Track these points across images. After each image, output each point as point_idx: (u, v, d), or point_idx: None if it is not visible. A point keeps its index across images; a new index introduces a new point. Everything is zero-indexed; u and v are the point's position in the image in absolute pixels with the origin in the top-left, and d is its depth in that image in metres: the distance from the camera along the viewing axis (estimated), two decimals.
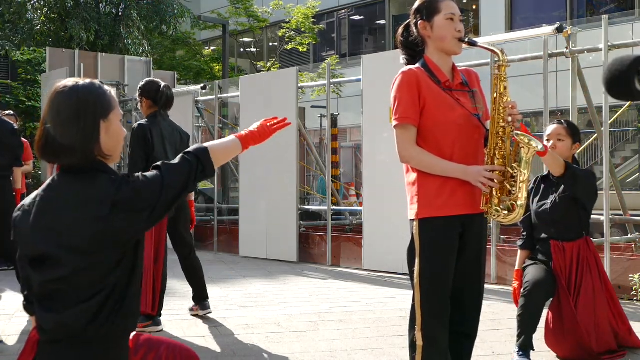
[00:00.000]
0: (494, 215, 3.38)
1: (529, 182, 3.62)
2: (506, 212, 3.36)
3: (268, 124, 2.79)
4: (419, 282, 3.40)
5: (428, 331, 3.42)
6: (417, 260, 3.41)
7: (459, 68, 3.60)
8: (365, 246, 9.04)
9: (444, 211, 3.37)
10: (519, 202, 3.33)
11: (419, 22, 3.52)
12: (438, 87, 3.41)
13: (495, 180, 3.32)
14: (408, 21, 3.64)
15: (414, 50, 3.58)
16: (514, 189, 3.34)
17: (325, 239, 9.72)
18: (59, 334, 2.36)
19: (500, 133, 3.38)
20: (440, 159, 3.38)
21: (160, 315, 5.87)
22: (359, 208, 11.04)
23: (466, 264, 3.48)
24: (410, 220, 3.47)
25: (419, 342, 3.42)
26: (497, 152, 3.38)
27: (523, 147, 3.32)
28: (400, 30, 3.69)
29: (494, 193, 3.35)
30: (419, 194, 3.42)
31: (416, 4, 3.58)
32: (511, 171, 3.35)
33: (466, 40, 3.51)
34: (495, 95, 3.40)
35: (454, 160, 3.40)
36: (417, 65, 3.48)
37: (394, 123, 3.44)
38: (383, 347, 5.26)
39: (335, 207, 10.63)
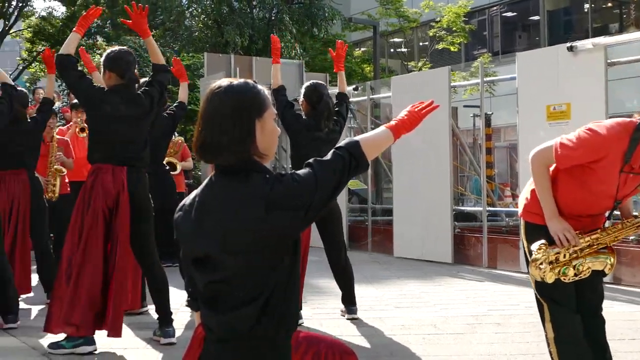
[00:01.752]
0: (536, 264, 3.52)
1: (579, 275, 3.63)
2: (543, 267, 3.49)
3: (416, 109, 2.69)
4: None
5: (558, 323, 3.63)
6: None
7: None
8: (522, 248, 8.79)
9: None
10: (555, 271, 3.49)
11: None
12: (619, 165, 3.41)
13: (567, 244, 3.48)
14: None
15: None
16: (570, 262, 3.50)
17: (481, 241, 9.55)
18: (224, 333, 2.40)
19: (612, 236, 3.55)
20: (549, 191, 3.57)
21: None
22: (515, 209, 10.76)
23: None
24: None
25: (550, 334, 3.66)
26: (598, 235, 3.53)
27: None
28: None
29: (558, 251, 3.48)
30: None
31: None
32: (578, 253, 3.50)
33: None
34: None
35: (573, 206, 3.59)
36: (631, 133, 3.41)
37: (564, 147, 3.47)
38: (544, 352, 5.08)
39: (490, 208, 10.42)
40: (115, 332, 5.10)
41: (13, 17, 21.59)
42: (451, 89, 10.27)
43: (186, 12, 23.26)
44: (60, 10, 26.07)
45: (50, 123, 8.23)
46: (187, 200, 2.56)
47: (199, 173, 14.14)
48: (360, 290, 7.61)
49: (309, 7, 22.70)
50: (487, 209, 9.86)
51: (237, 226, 2.37)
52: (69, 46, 5.21)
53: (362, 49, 28.64)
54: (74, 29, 5.27)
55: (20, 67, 27.28)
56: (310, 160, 2.45)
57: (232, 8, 22.48)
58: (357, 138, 2.53)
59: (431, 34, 23.76)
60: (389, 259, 10.50)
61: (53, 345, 5.09)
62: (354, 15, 25.51)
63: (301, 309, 6.04)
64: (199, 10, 23.18)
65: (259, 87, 2.55)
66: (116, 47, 5.44)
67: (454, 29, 22.69)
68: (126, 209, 5.22)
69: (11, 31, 23.27)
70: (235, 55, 16.29)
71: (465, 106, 18.50)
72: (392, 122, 2.64)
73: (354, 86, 13.00)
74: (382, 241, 11.39)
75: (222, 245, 2.38)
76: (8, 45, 25.98)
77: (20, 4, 21.87)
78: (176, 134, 10.06)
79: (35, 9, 26.47)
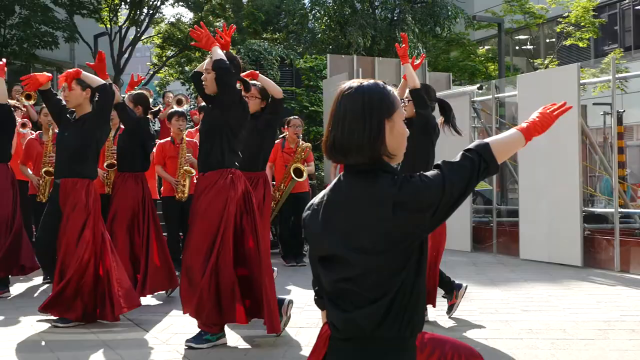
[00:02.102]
0: None
1: None
2: None
3: (548, 111, 2.62)
4: None
5: None
6: None
7: None
8: None
9: None
10: None
11: None
12: None
13: None
14: None
15: None
16: None
17: (613, 243, 9.17)
18: (349, 332, 2.41)
19: None
20: None
21: None
22: None
23: None
24: None
25: None
26: None
27: None
28: None
29: None
30: None
31: None
32: None
33: None
34: None
35: None
36: None
37: None
38: None
39: (623, 210, 10.00)
40: (274, 328, 5.32)
41: (144, 25, 22.49)
42: (580, 87, 9.92)
43: (309, 14, 23.55)
44: (188, 16, 27.00)
45: (180, 125, 8.51)
46: (315, 199, 2.61)
47: (322, 174, 14.28)
48: (485, 293, 7.50)
49: (432, 6, 22.51)
50: (619, 210, 9.46)
51: (363, 226, 2.39)
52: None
53: (486, 47, 28.16)
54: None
55: (151, 72, 28.40)
56: (439, 162, 2.44)
57: (354, 9, 22.59)
58: (487, 140, 2.50)
59: (558, 29, 23.05)
60: (514, 260, 10.25)
61: (197, 340, 5.23)
62: (477, 13, 25.12)
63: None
64: (322, 12, 23.42)
65: (389, 88, 2.56)
66: None
67: (583, 24, 21.94)
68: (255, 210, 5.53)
69: (142, 38, 24.24)
70: (357, 56, 16.37)
71: (594, 104, 17.89)
72: (524, 124, 2.58)
73: (478, 85, 12.79)
74: (507, 243, 11.15)
75: (349, 244, 2.41)
76: (139, 51, 27.08)
77: (150, 12, 22.73)
78: (302, 140, 10.15)
79: (164, 15, 27.59)
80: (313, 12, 23.78)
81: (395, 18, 22.94)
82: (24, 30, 18.43)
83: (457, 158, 2.44)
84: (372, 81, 2.57)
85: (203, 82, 5.36)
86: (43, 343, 5.46)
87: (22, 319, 6.17)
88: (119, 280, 5.96)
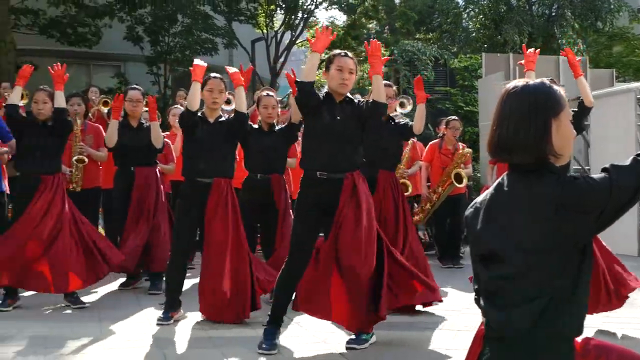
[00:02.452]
0: None
1: None
2: None
3: None
4: None
5: None
6: None
7: None
8: None
9: None
10: None
11: None
12: None
13: None
14: None
15: None
16: None
17: None
18: (504, 331, 2.41)
19: None
20: None
21: None
22: None
23: None
24: None
25: None
26: None
27: None
28: None
29: None
30: None
31: None
32: None
33: None
34: None
35: None
36: None
37: None
38: None
39: None
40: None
41: (299, 29, 22.97)
42: None
43: (463, 13, 23.24)
44: (342, 19, 27.31)
45: None
46: (479, 198, 2.65)
47: (478, 175, 14.02)
48: None
49: (592, 0, 21.64)
50: None
51: (525, 225, 2.42)
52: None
53: None
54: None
55: None
56: (607, 165, 2.40)
57: (510, 6, 22.09)
58: None
59: None
60: None
61: (358, 341, 5.25)
62: None
63: None
64: (476, 11, 23.05)
65: (555, 87, 2.56)
66: None
67: None
68: None
69: (297, 41, 24.75)
70: (513, 54, 15.98)
71: None
72: None
73: None
74: None
75: (509, 242, 2.44)
76: (294, 55, 27.61)
77: (305, 16, 23.18)
78: (462, 145, 10.01)
79: (318, 19, 28.02)
80: (467, 10, 23.44)
81: (553, 14, 22.24)
82: (185, 38, 19.29)
83: (628, 162, 2.39)
84: (538, 80, 2.56)
85: (344, 82, 5.20)
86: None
87: (189, 314, 6.40)
88: None
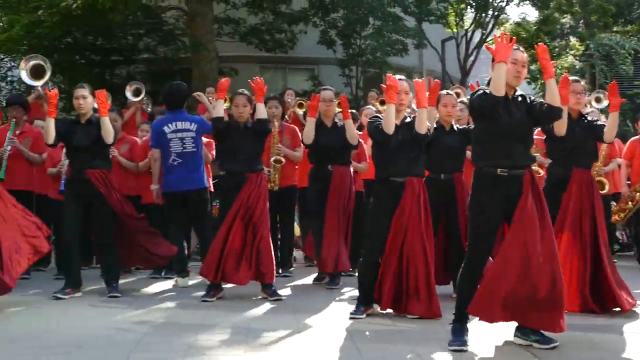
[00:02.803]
0: None
1: None
2: None
3: None
4: None
5: None
6: None
7: None
8: None
9: None
10: None
11: None
12: None
13: None
14: None
15: None
16: None
17: None
18: None
19: None
20: None
21: None
22: None
23: None
24: None
25: None
26: None
27: None
28: None
29: None
30: None
31: None
32: None
33: None
34: None
35: None
36: None
37: None
38: None
39: None
40: None
41: (489, 26, 22.65)
42: None
43: None
44: (534, 14, 26.59)
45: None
46: None
47: None
48: None
49: None
50: None
51: None
52: None
53: None
54: None
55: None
56: None
57: None
58: None
59: None
60: None
61: (546, 340, 5.18)
62: None
63: None
64: None
65: None
66: None
67: None
68: None
69: (488, 39, 24.37)
70: None
71: None
72: None
73: None
74: None
75: None
76: (484, 53, 27.24)
77: (495, 13, 22.86)
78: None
79: (509, 16, 27.41)
80: None
81: None
82: (376, 40, 19.62)
83: None
84: None
85: (519, 74, 5.18)
86: (367, 333, 5.81)
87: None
88: None
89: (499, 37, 5.18)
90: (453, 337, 5.25)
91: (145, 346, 5.36)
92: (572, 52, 23.11)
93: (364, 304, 6.40)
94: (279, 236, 9.28)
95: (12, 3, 17.11)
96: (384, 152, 6.39)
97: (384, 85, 6.24)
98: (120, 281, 7.86)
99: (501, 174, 5.10)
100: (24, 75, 9.38)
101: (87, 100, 7.49)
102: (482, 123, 5.30)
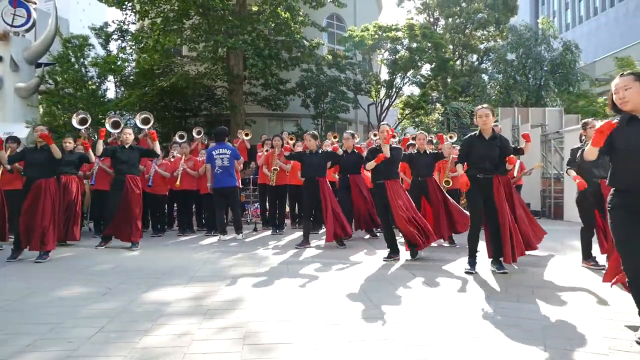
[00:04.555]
0: None
1: None
2: None
3: None
4: None
5: None
6: None
7: None
8: None
9: None
10: None
11: None
12: None
13: None
14: None
15: None
16: None
17: None
18: None
19: None
20: None
21: None
22: None
23: None
24: None
25: None
26: None
27: None
28: None
29: None
30: None
31: None
32: None
33: None
34: None
35: None
36: None
37: None
38: None
39: None
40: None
41: (394, 97, 28.47)
42: None
43: None
44: (417, 91, 32.99)
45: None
46: None
47: None
48: None
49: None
50: None
51: None
52: None
53: (604, 97, 27.45)
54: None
55: None
56: None
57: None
58: None
59: None
60: None
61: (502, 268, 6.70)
62: (599, 76, 30.27)
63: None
64: None
65: None
66: None
67: None
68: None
69: (392, 104, 30.46)
70: None
71: None
72: None
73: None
74: None
75: None
76: (391, 112, 31.86)
77: (397, 90, 29.16)
78: None
79: (403, 91, 33.35)
80: None
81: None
82: (332, 104, 27.17)
83: None
84: None
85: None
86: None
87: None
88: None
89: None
90: (470, 267, 7.14)
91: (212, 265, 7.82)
92: (437, 111, 32.84)
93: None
94: (277, 212, 13.38)
95: (131, 83, 23.46)
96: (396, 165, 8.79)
97: (382, 132, 8.51)
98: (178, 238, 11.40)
99: None
100: (138, 122, 12.08)
101: (131, 136, 10.37)
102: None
